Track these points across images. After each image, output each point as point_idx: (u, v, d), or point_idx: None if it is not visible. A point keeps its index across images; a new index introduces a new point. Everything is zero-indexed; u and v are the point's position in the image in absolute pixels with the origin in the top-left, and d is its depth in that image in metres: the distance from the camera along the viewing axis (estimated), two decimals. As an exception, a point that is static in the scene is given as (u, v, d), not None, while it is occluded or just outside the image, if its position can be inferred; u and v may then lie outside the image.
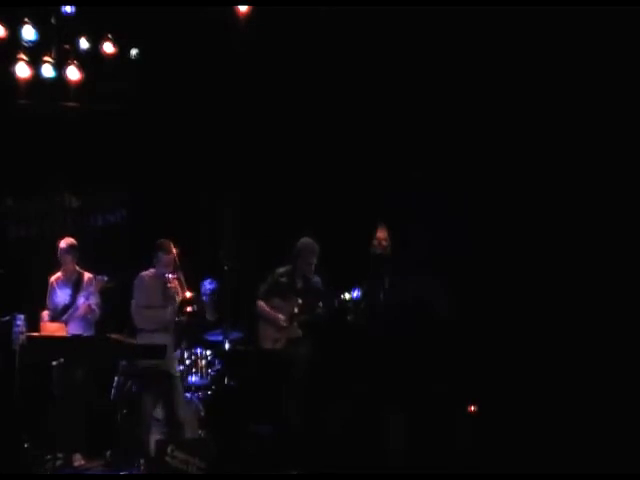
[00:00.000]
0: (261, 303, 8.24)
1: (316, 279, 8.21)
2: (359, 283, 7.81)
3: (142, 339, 7.77)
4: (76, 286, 8.40)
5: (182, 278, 7.99)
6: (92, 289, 8.33)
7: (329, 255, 8.35)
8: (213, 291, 9.05)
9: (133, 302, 7.85)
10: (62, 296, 8.42)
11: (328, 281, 8.14)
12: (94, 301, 8.34)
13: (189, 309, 8.43)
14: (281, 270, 8.26)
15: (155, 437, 7.83)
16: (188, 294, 8.11)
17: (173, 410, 7.85)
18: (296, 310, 8.09)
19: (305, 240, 8.18)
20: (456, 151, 8.41)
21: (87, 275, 8.45)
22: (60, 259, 8.45)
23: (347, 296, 7.82)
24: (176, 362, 8.10)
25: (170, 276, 7.85)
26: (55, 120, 9.53)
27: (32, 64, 8.90)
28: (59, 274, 8.51)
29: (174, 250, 7.90)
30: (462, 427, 7.73)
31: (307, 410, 7.97)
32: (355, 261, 7.87)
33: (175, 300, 7.82)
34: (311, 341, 8.10)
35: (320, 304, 8.00)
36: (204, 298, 9.08)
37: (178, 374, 8.03)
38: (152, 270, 7.94)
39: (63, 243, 8.45)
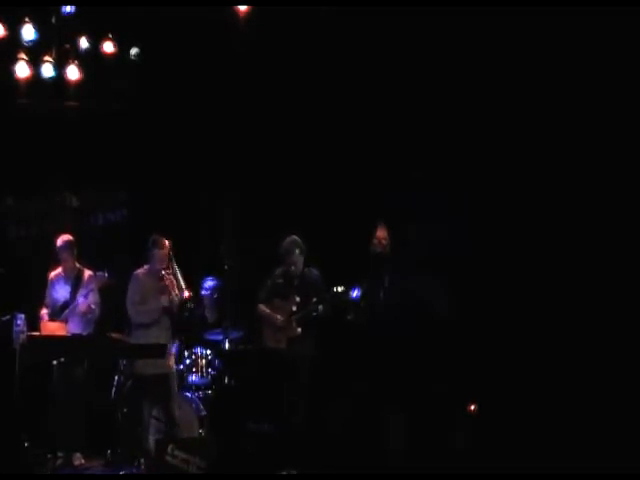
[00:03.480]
0: (261, 306, 8.30)
1: (314, 272, 8.24)
2: (359, 283, 7.82)
3: (138, 334, 7.80)
4: (76, 283, 8.39)
5: (179, 275, 8.01)
6: (92, 286, 8.30)
7: (329, 255, 8.35)
8: (214, 290, 9.03)
9: (127, 300, 7.88)
10: (62, 293, 8.41)
11: (328, 280, 8.15)
12: (94, 299, 8.32)
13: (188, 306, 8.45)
14: (277, 272, 8.30)
15: (155, 437, 7.84)
16: (186, 293, 8.11)
17: (170, 410, 7.87)
18: (294, 308, 8.12)
19: (286, 239, 8.22)
20: (456, 151, 8.40)
21: (87, 272, 8.43)
22: (59, 256, 8.44)
23: (340, 289, 7.86)
24: (173, 358, 8.08)
25: (164, 272, 7.87)
26: (55, 120, 9.53)
27: (32, 64, 8.89)
28: (59, 270, 8.49)
29: (167, 245, 7.92)
30: (462, 427, 7.72)
31: (307, 409, 7.98)
32: (355, 261, 7.87)
33: (170, 294, 7.82)
34: (312, 340, 8.11)
35: (314, 300, 8.00)
36: (205, 297, 9.07)
37: (174, 370, 8.02)
38: (146, 267, 7.96)
39: (60, 240, 8.45)
